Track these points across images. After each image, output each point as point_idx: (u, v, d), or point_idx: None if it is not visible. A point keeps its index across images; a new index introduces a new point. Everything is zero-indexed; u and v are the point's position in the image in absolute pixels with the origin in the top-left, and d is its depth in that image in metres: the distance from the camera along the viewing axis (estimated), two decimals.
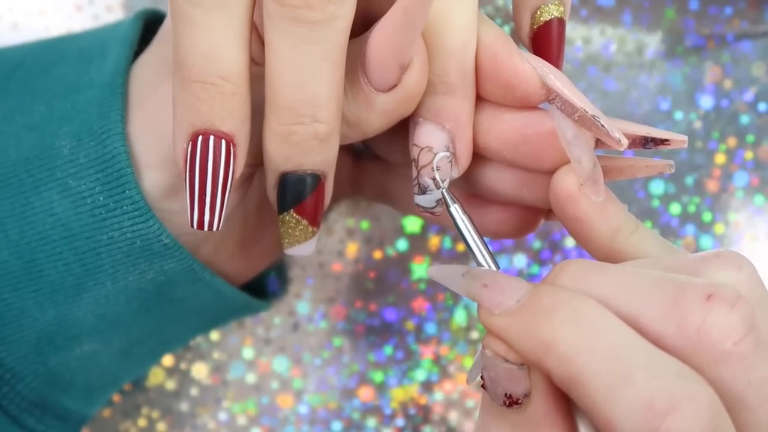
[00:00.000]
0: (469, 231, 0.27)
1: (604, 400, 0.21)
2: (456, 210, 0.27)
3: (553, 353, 0.22)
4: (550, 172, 0.27)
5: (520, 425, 0.23)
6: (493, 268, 0.26)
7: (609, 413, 0.21)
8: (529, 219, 0.30)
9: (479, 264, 0.27)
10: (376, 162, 0.35)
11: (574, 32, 0.40)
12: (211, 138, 0.24)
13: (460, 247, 0.41)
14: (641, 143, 0.27)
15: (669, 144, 0.27)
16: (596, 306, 0.22)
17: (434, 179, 0.27)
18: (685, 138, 0.27)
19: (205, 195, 0.25)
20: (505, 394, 0.23)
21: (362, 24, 0.26)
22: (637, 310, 0.22)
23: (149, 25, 0.32)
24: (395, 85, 0.25)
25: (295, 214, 0.26)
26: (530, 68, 0.26)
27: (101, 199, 0.28)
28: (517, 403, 0.23)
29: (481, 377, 0.24)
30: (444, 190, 0.27)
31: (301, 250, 0.27)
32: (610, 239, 0.26)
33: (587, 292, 0.23)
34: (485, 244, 0.27)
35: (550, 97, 0.26)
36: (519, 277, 0.25)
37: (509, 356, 0.23)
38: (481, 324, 0.24)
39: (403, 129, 0.28)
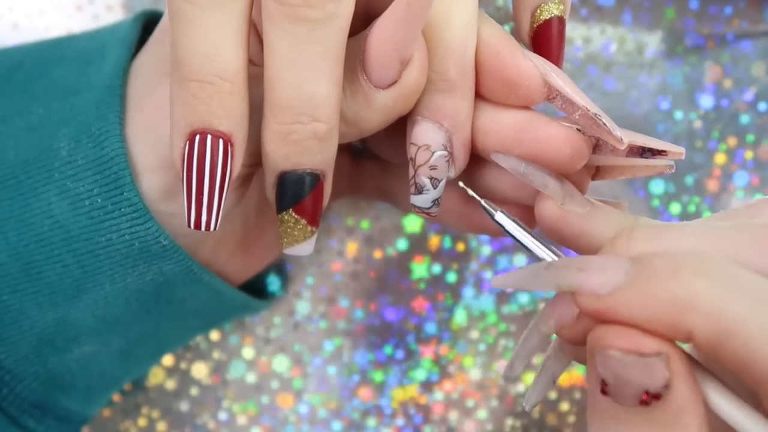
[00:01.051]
0: (524, 234, 0.26)
1: (764, 347, 0.19)
2: (501, 217, 0.26)
3: (695, 309, 0.20)
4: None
5: (660, 419, 0.21)
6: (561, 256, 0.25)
7: None
8: (528, 218, 0.30)
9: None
10: (374, 160, 0.35)
11: (574, 32, 0.40)
12: (209, 137, 0.24)
13: (460, 246, 0.41)
14: (638, 152, 0.27)
15: (666, 155, 0.27)
16: (715, 256, 0.21)
17: (434, 179, 0.27)
18: (683, 150, 0.27)
19: (202, 195, 0.25)
20: (644, 392, 0.21)
21: (361, 22, 0.26)
22: (733, 257, 0.21)
23: (149, 25, 0.32)
24: (394, 82, 0.25)
25: (294, 214, 0.26)
26: (532, 66, 0.26)
27: (99, 201, 0.28)
28: (657, 398, 0.21)
29: (602, 383, 0.21)
30: (483, 202, 0.26)
31: (300, 250, 0.27)
32: (611, 243, 0.26)
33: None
34: (543, 241, 0.26)
35: (552, 95, 0.26)
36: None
37: (644, 347, 0.21)
38: (588, 313, 0.22)
39: (401, 128, 0.28)
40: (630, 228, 0.23)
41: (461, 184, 0.27)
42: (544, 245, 0.25)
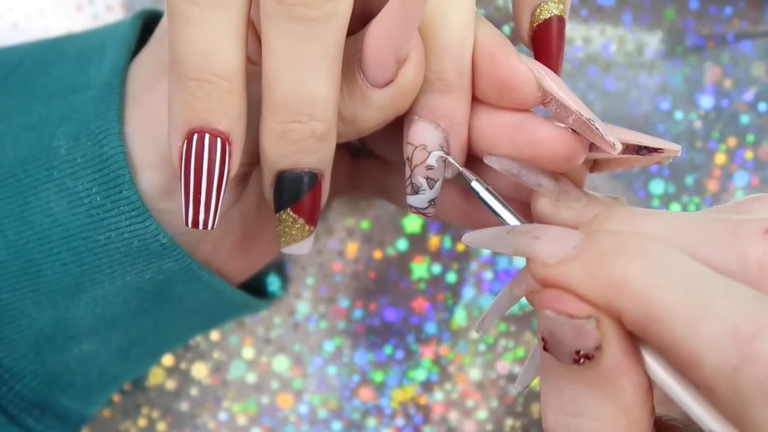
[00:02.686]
0: (497, 201, 0.26)
1: (686, 332, 0.20)
2: (477, 185, 0.27)
3: (626, 291, 0.21)
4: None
5: (594, 380, 0.22)
6: None
7: (693, 344, 0.20)
8: (526, 217, 0.30)
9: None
10: (373, 158, 0.35)
11: (574, 32, 0.40)
12: (207, 136, 0.24)
13: (460, 246, 0.41)
14: (634, 150, 0.27)
15: (662, 152, 0.27)
16: (660, 242, 0.22)
17: (430, 179, 0.27)
18: (679, 147, 0.27)
19: (200, 193, 0.25)
20: (576, 352, 0.22)
21: (358, 22, 0.26)
22: (694, 248, 0.22)
23: (148, 25, 0.32)
24: (391, 81, 0.25)
25: (292, 213, 0.26)
26: (527, 69, 0.26)
27: (98, 199, 0.28)
28: (588, 358, 0.22)
29: (542, 339, 0.23)
30: (462, 169, 0.27)
31: (298, 249, 0.27)
32: None
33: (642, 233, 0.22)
34: (516, 214, 0.26)
35: (546, 99, 0.26)
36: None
37: (575, 310, 0.22)
38: (536, 278, 0.23)
39: (399, 127, 0.28)
40: (609, 211, 0.24)
41: (442, 153, 0.27)
42: (515, 215, 0.26)
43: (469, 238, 0.25)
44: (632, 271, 0.21)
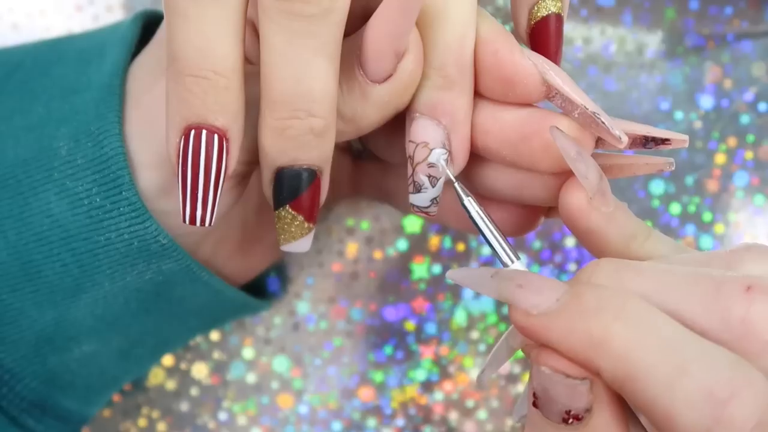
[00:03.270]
0: (486, 223, 0.26)
1: (662, 394, 0.20)
2: (470, 203, 0.27)
3: (605, 351, 0.21)
4: (550, 172, 0.27)
5: None
6: (515, 259, 0.26)
7: (668, 406, 0.20)
8: (529, 218, 0.30)
9: (499, 257, 0.26)
10: (375, 162, 0.35)
11: (574, 32, 0.40)
12: (204, 132, 0.24)
13: (460, 246, 0.41)
14: (642, 143, 0.27)
15: (670, 144, 0.27)
16: (642, 301, 0.22)
17: (437, 171, 0.27)
18: (686, 137, 0.27)
19: (197, 190, 0.25)
20: (566, 411, 0.22)
21: (360, 21, 0.26)
22: (678, 306, 0.22)
23: (148, 26, 0.32)
24: (390, 75, 0.25)
25: (291, 210, 0.26)
26: (531, 64, 0.26)
27: (98, 200, 0.28)
28: (578, 419, 0.22)
29: (533, 396, 0.23)
30: (456, 184, 0.27)
31: (297, 247, 0.27)
32: (624, 247, 0.26)
33: (625, 290, 0.23)
34: (503, 236, 0.26)
35: (551, 94, 0.26)
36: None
37: (571, 371, 0.22)
38: (517, 327, 0.23)
39: (401, 129, 0.28)
40: (596, 263, 0.24)
41: (444, 151, 0.27)
42: (502, 241, 0.26)
43: (453, 275, 0.25)
44: (613, 331, 0.21)
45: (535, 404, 0.23)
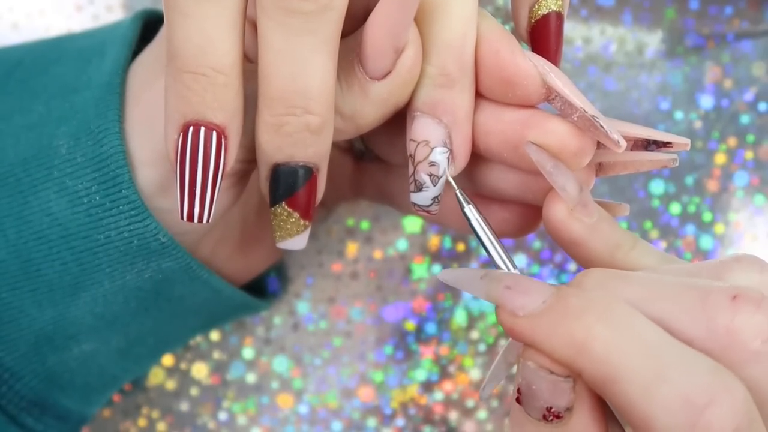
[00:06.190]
0: (485, 232, 0.27)
1: (641, 397, 0.21)
2: (471, 211, 0.27)
3: (587, 353, 0.22)
4: None
5: None
6: (512, 269, 0.26)
7: (646, 409, 0.21)
8: (531, 218, 0.30)
9: (497, 266, 0.26)
10: (377, 164, 0.35)
11: (574, 32, 0.40)
12: (202, 129, 0.24)
13: (460, 246, 0.41)
14: (643, 145, 0.27)
15: (671, 146, 0.27)
16: (626, 306, 0.22)
17: (433, 176, 0.27)
18: (688, 141, 0.27)
19: (195, 186, 0.25)
20: (547, 408, 0.23)
21: (361, 21, 0.26)
22: (664, 314, 0.22)
23: (149, 25, 0.32)
24: (389, 72, 0.25)
25: (287, 207, 0.26)
26: (531, 66, 0.26)
27: (98, 198, 0.28)
28: (558, 417, 0.23)
29: (517, 391, 0.23)
30: (458, 191, 0.27)
31: (293, 244, 0.27)
32: (609, 257, 0.26)
33: (611, 295, 0.23)
34: (502, 245, 0.27)
35: (550, 96, 0.26)
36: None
37: (555, 368, 0.23)
38: (503, 327, 0.24)
39: (402, 129, 0.28)
40: (585, 272, 0.25)
41: (445, 149, 0.27)
42: (501, 250, 0.26)
43: (444, 276, 0.26)
44: (594, 333, 0.22)
45: (518, 400, 0.23)
